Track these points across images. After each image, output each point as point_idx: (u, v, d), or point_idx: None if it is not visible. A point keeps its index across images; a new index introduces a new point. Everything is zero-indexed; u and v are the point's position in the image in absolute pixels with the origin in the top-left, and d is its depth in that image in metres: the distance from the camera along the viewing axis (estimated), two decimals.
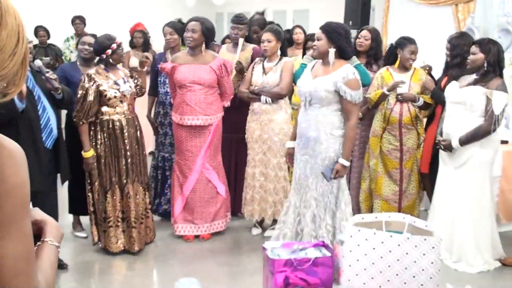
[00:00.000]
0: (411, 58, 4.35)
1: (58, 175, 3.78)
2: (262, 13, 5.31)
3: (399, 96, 4.32)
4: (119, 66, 4.15)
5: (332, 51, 3.41)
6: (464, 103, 3.79)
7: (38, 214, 1.36)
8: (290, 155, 3.80)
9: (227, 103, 4.43)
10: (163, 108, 4.70)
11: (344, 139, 3.42)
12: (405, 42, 4.37)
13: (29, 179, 1.10)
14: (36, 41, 7.85)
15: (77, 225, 4.52)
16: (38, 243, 1.25)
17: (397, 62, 4.40)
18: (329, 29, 3.43)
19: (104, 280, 3.70)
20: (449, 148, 3.84)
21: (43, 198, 3.54)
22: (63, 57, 7.95)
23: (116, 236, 3.98)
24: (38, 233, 1.28)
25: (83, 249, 4.17)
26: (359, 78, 3.46)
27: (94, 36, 4.44)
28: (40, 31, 7.97)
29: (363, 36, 4.63)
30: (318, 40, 3.47)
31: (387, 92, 4.28)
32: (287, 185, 4.31)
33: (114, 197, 3.96)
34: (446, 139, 3.86)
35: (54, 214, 3.65)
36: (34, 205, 1.46)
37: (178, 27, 4.73)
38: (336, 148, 3.45)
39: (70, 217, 4.59)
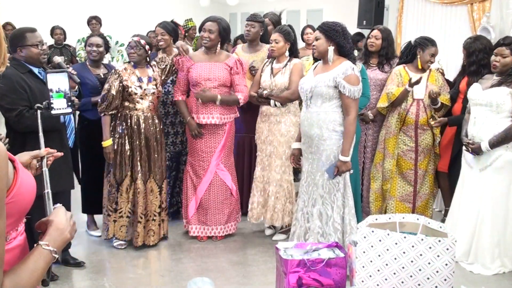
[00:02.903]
0: (430, 61, 4.30)
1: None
2: (279, 15, 5.28)
3: (431, 92, 4.20)
4: (151, 65, 4.18)
5: (331, 48, 3.46)
6: (490, 105, 3.74)
7: (54, 213, 1.35)
8: (294, 156, 3.82)
9: (242, 99, 4.27)
10: (164, 108, 4.70)
11: (343, 134, 3.44)
12: (426, 43, 4.29)
13: (4, 178, 1.08)
14: (52, 41, 7.94)
15: (91, 224, 4.56)
16: (35, 245, 1.23)
17: (418, 62, 4.33)
18: (326, 28, 3.48)
19: (118, 279, 3.73)
20: (477, 151, 3.79)
21: (58, 198, 3.59)
22: (77, 58, 8.01)
23: (126, 226, 4.13)
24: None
25: (97, 247, 4.21)
26: (359, 75, 3.48)
27: (101, 36, 4.47)
28: (57, 29, 8.04)
29: (373, 36, 4.60)
30: (316, 40, 3.53)
31: (409, 88, 4.24)
32: (292, 189, 4.30)
33: (127, 191, 4.07)
34: (474, 142, 3.82)
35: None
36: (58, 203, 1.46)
37: (170, 27, 4.71)
38: (340, 144, 3.46)
39: (84, 216, 4.63)
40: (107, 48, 4.51)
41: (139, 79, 4.04)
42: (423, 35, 4.72)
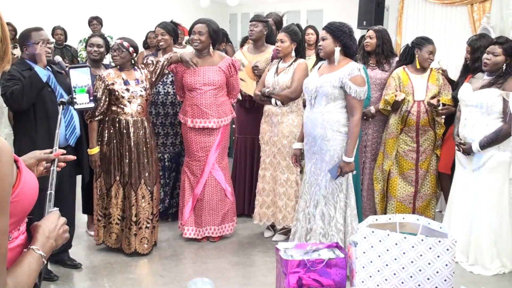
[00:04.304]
0: (429, 59, 4.30)
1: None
2: (281, 17, 5.29)
3: (427, 105, 4.24)
4: (138, 67, 4.12)
5: (337, 49, 3.46)
6: (480, 106, 3.74)
7: (46, 218, 1.35)
8: (296, 156, 3.81)
9: (234, 101, 4.47)
10: (163, 109, 4.68)
11: (348, 135, 3.43)
12: (423, 42, 4.31)
13: (10, 176, 1.09)
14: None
15: (91, 224, 4.55)
16: (25, 249, 1.25)
17: (417, 63, 4.33)
18: (333, 28, 3.47)
19: (117, 279, 3.73)
20: (469, 151, 3.80)
21: (62, 199, 3.60)
22: (78, 58, 8.01)
23: (116, 233, 4.06)
24: None
25: (97, 248, 4.20)
26: (365, 76, 3.48)
27: (102, 37, 4.46)
28: (57, 30, 8.05)
29: (368, 36, 4.65)
30: (323, 40, 3.51)
31: (399, 99, 4.25)
32: (299, 189, 4.29)
33: (116, 196, 4.00)
34: (465, 142, 3.82)
35: (71, 215, 3.70)
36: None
37: (170, 28, 4.70)
38: (343, 145, 3.45)
39: (85, 217, 4.63)
40: (108, 48, 4.51)
41: (126, 82, 3.97)
42: (422, 35, 4.73)
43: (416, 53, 4.33)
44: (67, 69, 3.72)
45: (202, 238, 4.37)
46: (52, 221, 1.34)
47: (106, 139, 3.98)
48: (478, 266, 3.82)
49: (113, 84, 3.93)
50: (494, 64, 3.78)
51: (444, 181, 4.52)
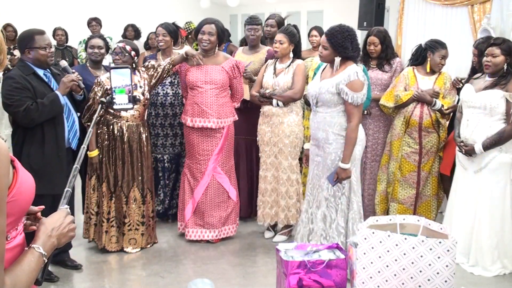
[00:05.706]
0: (441, 63, 4.30)
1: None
2: (284, 19, 5.28)
3: (415, 95, 4.25)
4: (139, 70, 4.10)
5: (337, 59, 3.41)
6: (483, 108, 3.74)
7: (52, 215, 1.36)
8: (307, 157, 3.81)
9: (238, 105, 4.44)
10: (163, 110, 4.68)
11: (345, 141, 3.40)
12: (436, 46, 4.29)
13: (6, 176, 1.09)
14: (54, 42, 7.95)
15: None
16: (26, 248, 1.25)
17: (428, 66, 4.32)
18: (335, 43, 3.36)
19: (118, 280, 3.72)
20: (471, 152, 3.79)
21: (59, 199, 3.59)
22: (78, 60, 8.02)
23: (98, 233, 4.07)
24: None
25: (97, 249, 4.19)
26: (363, 78, 3.41)
27: (102, 38, 4.45)
28: (58, 30, 8.06)
29: (372, 43, 4.58)
30: (324, 48, 3.43)
31: (415, 96, 4.24)
32: (299, 188, 4.29)
33: (104, 196, 4.00)
34: (467, 143, 3.82)
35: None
36: (54, 206, 1.47)
37: (171, 29, 4.70)
38: None
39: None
40: (108, 49, 4.50)
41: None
42: (424, 36, 4.74)
43: (428, 56, 4.32)
44: (74, 73, 3.71)
45: (202, 240, 4.36)
46: (57, 219, 1.34)
47: (99, 140, 3.97)
48: (478, 267, 3.82)
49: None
50: (495, 66, 3.78)
51: (445, 183, 4.52)
